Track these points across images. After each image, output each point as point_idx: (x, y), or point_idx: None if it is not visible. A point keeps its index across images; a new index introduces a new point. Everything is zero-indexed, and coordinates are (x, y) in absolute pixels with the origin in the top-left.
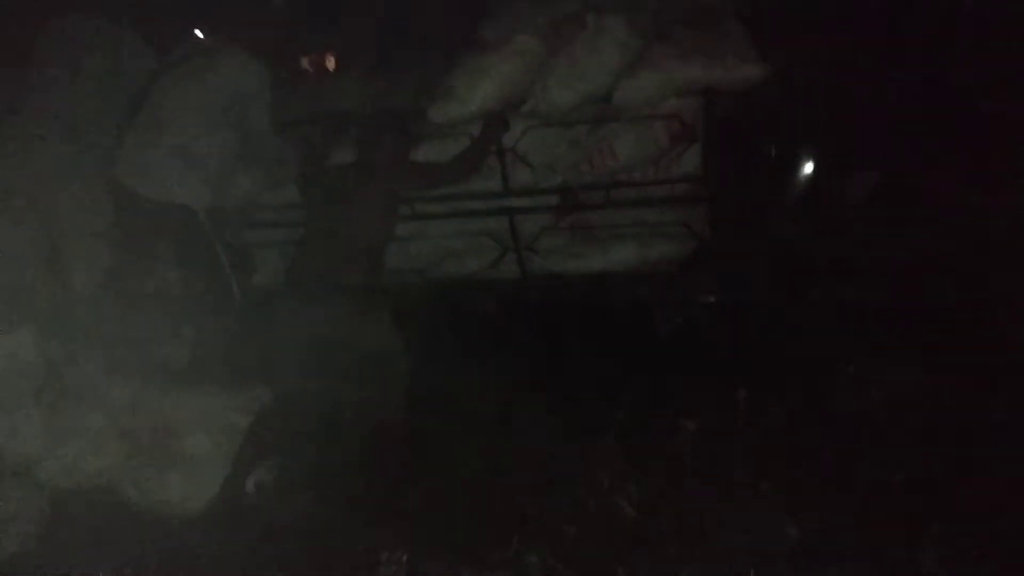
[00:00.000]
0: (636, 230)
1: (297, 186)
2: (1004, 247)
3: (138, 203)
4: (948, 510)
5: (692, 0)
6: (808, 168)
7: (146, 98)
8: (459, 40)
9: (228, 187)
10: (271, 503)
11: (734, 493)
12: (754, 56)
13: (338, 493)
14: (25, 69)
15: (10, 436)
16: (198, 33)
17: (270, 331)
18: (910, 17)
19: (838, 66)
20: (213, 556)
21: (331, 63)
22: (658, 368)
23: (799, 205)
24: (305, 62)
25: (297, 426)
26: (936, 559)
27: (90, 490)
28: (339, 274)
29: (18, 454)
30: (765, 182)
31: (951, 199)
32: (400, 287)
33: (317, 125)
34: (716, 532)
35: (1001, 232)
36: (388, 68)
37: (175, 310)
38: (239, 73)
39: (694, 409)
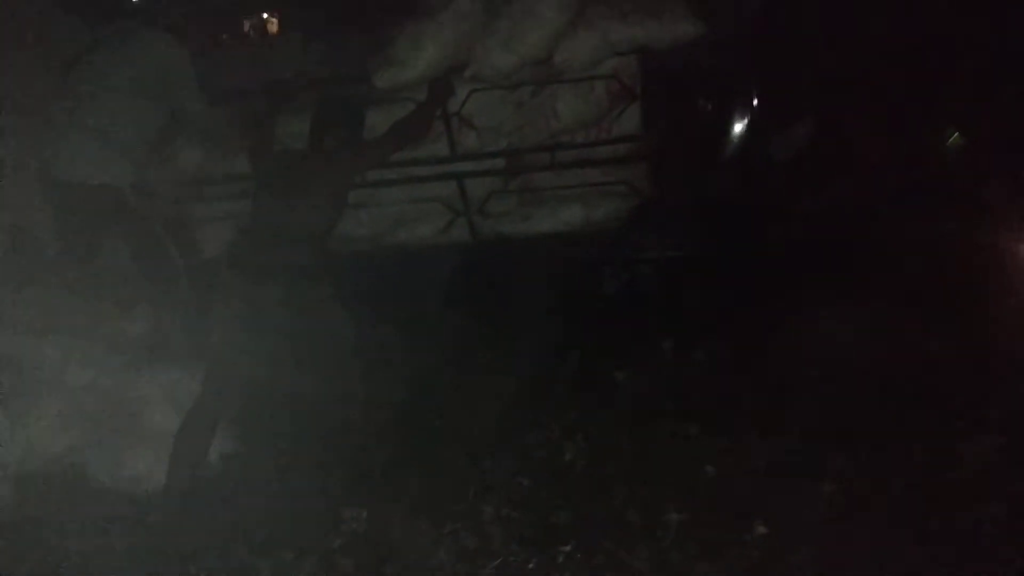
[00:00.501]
0: (581, 190)
1: (247, 159)
2: (926, 190)
3: (67, 188)
4: (873, 448)
5: None
6: (744, 122)
7: (69, 79)
8: (402, 4)
9: (168, 162)
10: (235, 471)
11: (669, 439)
12: (689, 13)
13: (299, 458)
14: None
15: None
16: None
17: (223, 305)
18: None
19: (770, 22)
20: (180, 526)
21: (273, 27)
22: (606, 324)
23: (737, 159)
24: (247, 26)
25: (254, 396)
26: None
27: (55, 471)
28: (283, 255)
29: None
30: (704, 138)
31: (878, 148)
32: (352, 254)
33: (262, 94)
34: (657, 474)
35: (922, 176)
36: (331, 33)
37: (126, 290)
38: (157, 48)
39: (637, 361)
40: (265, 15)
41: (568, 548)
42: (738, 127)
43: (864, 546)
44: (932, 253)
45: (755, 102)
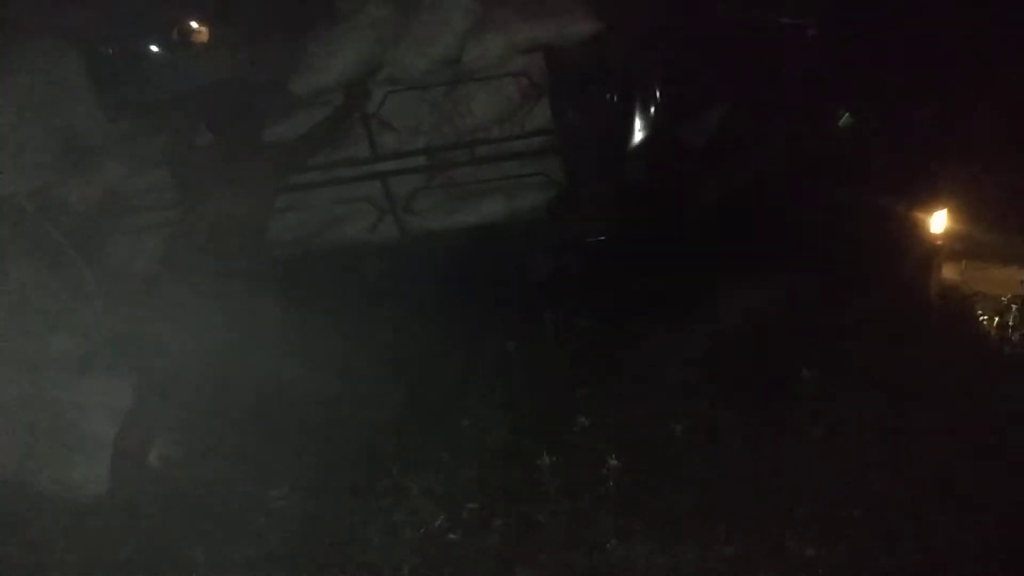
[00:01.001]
0: (502, 183)
1: (165, 170)
2: (822, 167)
3: None
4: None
5: None
6: (649, 112)
7: None
8: (316, 12)
9: (89, 175)
10: (173, 471)
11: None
12: (587, 12)
13: (233, 453)
14: None
15: None
16: None
17: (156, 313)
18: None
19: (668, 15)
20: (122, 529)
21: (202, 36)
22: (530, 309)
23: (645, 146)
24: (174, 35)
25: (188, 400)
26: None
27: None
28: (215, 257)
29: None
30: (610, 128)
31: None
32: (283, 257)
33: (179, 105)
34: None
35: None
36: (251, 41)
37: (57, 303)
38: (51, 60)
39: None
40: (193, 24)
41: (475, 506)
42: (643, 116)
43: None
44: (830, 225)
45: (658, 92)
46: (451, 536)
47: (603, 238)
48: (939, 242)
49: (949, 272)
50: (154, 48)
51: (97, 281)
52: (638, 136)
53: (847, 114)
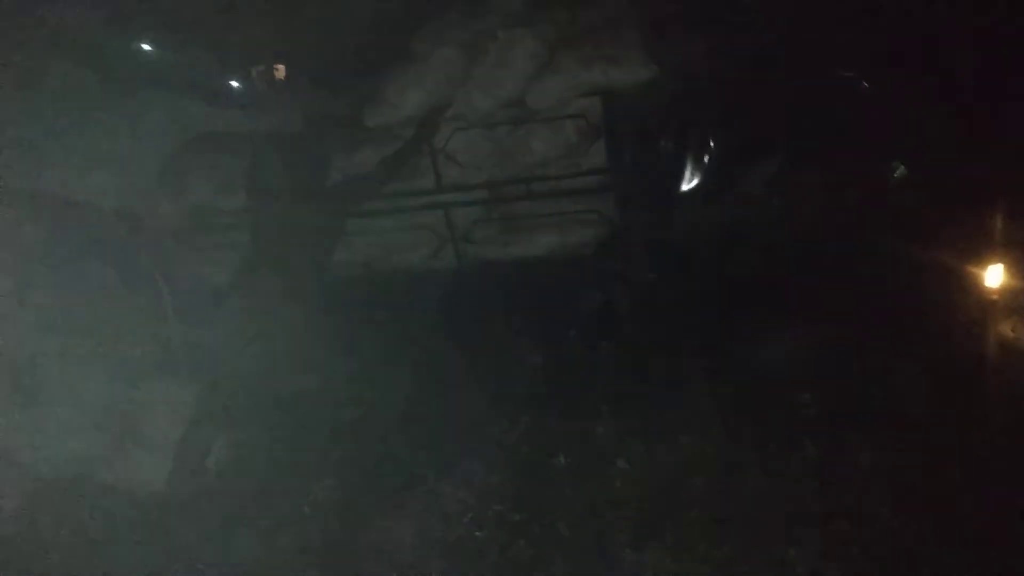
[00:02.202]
0: (556, 219)
1: (246, 194)
2: (870, 216)
3: (69, 210)
4: None
5: (593, 12)
6: (703, 158)
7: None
8: (392, 53)
9: (178, 195)
10: (229, 472)
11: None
12: (646, 60)
13: (282, 456)
14: None
15: None
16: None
17: (222, 327)
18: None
19: (727, 66)
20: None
21: (280, 74)
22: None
23: (698, 191)
24: (254, 73)
25: (244, 408)
26: None
27: (65, 476)
28: (286, 278)
29: None
30: (664, 172)
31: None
32: (347, 279)
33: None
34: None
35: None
36: (329, 79)
37: (138, 310)
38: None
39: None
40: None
41: (500, 507)
42: (696, 161)
43: None
44: (884, 277)
45: (711, 140)
46: (477, 534)
47: (651, 276)
48: (994, 297)
49: (1004, 327)
50: (235, 83)
51: (171, 292)
52: (691, 180)
53: (901, 166)
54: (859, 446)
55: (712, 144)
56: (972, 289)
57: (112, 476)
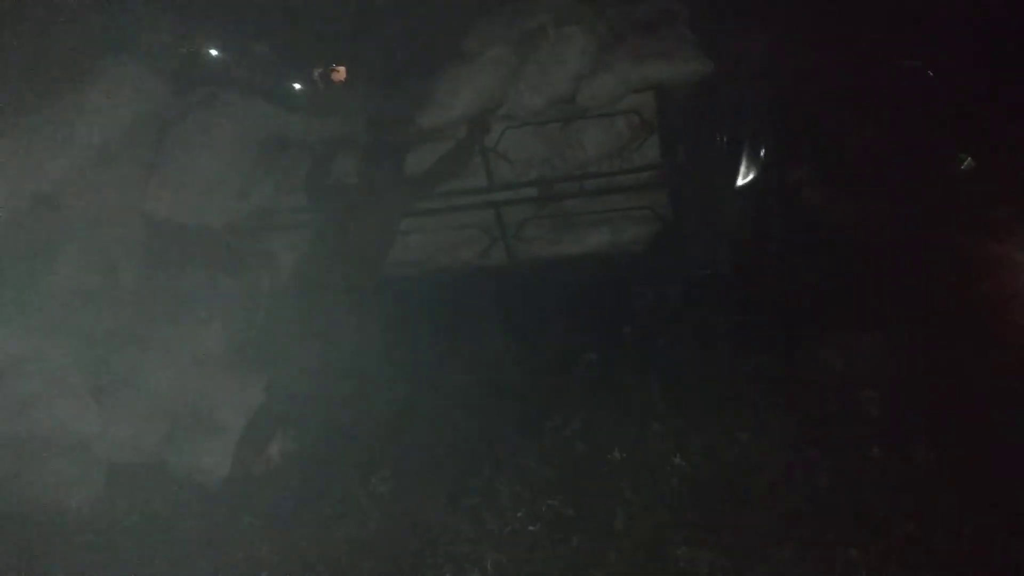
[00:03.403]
0: (608, 216)
1: (306, 195)
2: (936, 211)
3: (167, 226)
4: None
5: (644, 7)
6: (759, 153)
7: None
8: (444, 53)
9: (243, 199)
10: (292, 464)
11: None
12: (699, 55)
13: (341, 449)
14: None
15: (66, 417)
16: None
17: (286, 323)
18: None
19: (778, 62)
20: (240, 507)
21: (340, 76)
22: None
23: (750, 187)
24: (316, 75)
25: (308, 401)
26: None
27: (140, 463)
28: (343, 277)
29: (76, 433)
30: (717, 166)
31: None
32: (401, 277)
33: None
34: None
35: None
36: (385, 81)
37: (203, 309)
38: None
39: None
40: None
41: (554, 502)
42: (751, 157)
43: None
44: (946, 273)
45: (767, 134)
46: (531, 528)
47: (707, 272)
48: None
49: None
50: (298, 86)
51: (238, 289)
52: (746, 175)
53: (968, 158)
54: (925, 448)
55: (768, 139)
56: None
57: (182, 464)
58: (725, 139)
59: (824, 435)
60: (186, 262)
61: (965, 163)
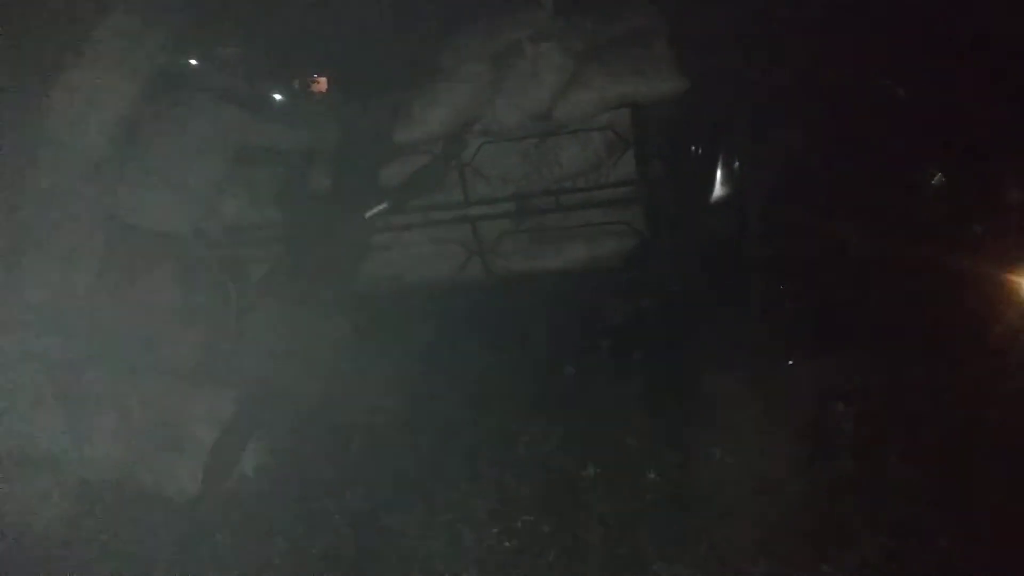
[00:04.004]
0: (585, 230)
1: (279, 206)
2: (910, 226)
3: (132, 233)
4: None
5: (621, 24)
6: (733, 167)
7: (135, 136)
8: (421, 68)
9: (216, 210)
10: (265, 480)
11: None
12: (675, 72)
13: (314, 464)
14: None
15: (36, 433)
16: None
17: (259, 337)
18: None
19: (755, 75)
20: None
21: (321, 86)
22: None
23: (726, 202)
24: (296, 84)
25: (280, 415)
26: None
27: (110, 479)
28: (312, 289)
29: (44, 449)
30: (692, 181)
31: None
32: (375, 293)
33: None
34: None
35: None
36: (363, 94)
37: (177, 318)
38: (216, 111)
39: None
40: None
41: (530, 518)
42: (726, 172)
43: None
44: (921, 289)
45: (741, 149)
46: (507, 544)
47: (684, 287)
48: None
49: None
50: (278, 96)
51: (208, 302)
52: (720, 191)
53: (939, 174)
54: (896, 461)
55: (742, 155)
56: (1014, 300)
57: (152, 481)
58: (700, 154)
59: (799, 449)
60: (155, 273)
61: (936, 179)
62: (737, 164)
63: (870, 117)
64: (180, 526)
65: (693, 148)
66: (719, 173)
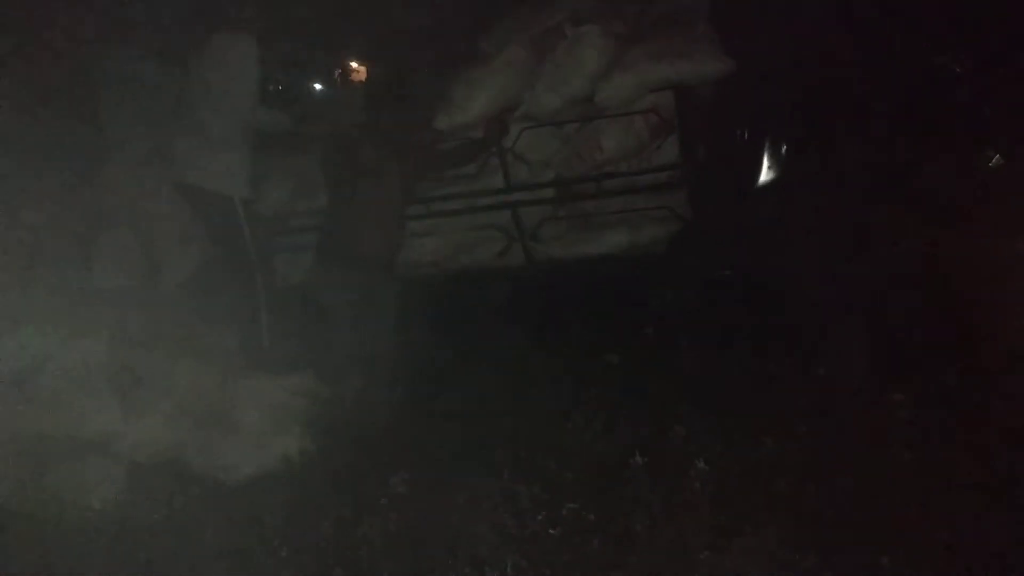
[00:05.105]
0: (626, 216)
1: (322, 170)
2: (960, 211)
3: (189, 194)
4: None
5: (663, 5)
6: (779, 150)
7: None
8: (461, 54)
9: (260, 193)
10: (311, 464)
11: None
12: (719, 53)
13: (361, 449)
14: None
15: (90, 416)
16: None
17: (302, 323)
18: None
19: (797, 58)
20: (262, 506)
21: (360, 75)
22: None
23: (770, 185)
24: (336, 74)
25: (326, 402)
26: None
27: (161, 462)
28: (360, 248)
29: (97, 431)
30: (738, 166)
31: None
32: (417, 278)
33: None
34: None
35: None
36: (402, 80)
37: (223, 309)
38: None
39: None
40: (354, 64)
41: (575, 505)
42: (772, 154)
43: None
44: (976, 271)
45: (787, 131)
46: (551, 531)
47: (728, 272)
48: None
49: None
50: (318, 85)
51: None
52: (766, 174)
53: (996, 155)
54: (957, 451)
55: (789, 137)
56: None
57: (203, 463)
58: (745, 138)
59: (851, 438)
60: (205, 260)
61: (994, 161)
62: (785, 148)
63: (927, 96)
64: (229, 508)
65: (739, 131)
66: (765, 157)
